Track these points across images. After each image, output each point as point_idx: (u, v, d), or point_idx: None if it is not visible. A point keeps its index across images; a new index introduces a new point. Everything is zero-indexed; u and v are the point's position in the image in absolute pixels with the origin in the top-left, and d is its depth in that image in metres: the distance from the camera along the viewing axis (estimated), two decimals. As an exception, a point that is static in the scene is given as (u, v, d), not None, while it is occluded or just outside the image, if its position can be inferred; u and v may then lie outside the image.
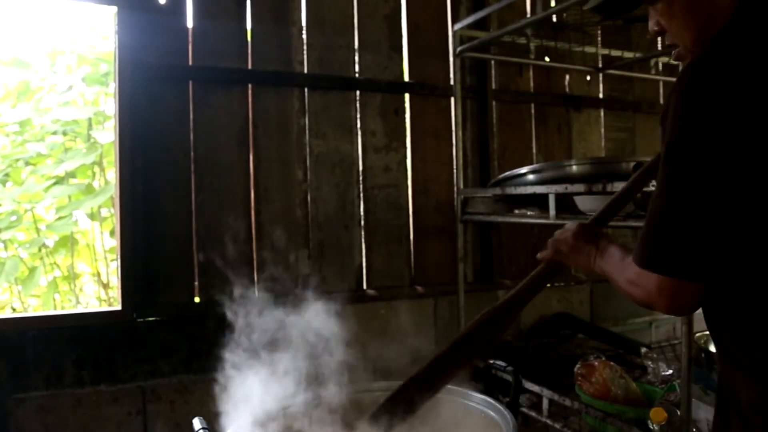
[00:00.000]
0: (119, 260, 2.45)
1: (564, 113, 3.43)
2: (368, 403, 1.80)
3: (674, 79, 1.98)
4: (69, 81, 3.86)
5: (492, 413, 1.70)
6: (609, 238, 1.44)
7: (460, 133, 2.98)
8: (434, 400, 1.78)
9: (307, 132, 2.80)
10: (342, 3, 2.88)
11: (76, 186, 3.79)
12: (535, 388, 2.45)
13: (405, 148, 3.02)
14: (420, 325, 2.97)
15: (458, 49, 2.93)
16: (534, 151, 3.34)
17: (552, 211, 2.37)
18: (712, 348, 2.34)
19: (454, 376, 1.66)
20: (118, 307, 2.45)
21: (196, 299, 2.57)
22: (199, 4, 2.59)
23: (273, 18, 2.74)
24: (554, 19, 2.82)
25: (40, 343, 2.31)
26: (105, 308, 3.37)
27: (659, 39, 3.30)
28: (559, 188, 2.33)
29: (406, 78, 3.04)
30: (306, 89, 2.79)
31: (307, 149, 2.80)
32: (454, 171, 3.04)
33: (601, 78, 3.53)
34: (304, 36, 2.80)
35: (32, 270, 3.70)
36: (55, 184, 3.74)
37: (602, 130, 3.56)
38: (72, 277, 3.87)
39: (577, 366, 2.35)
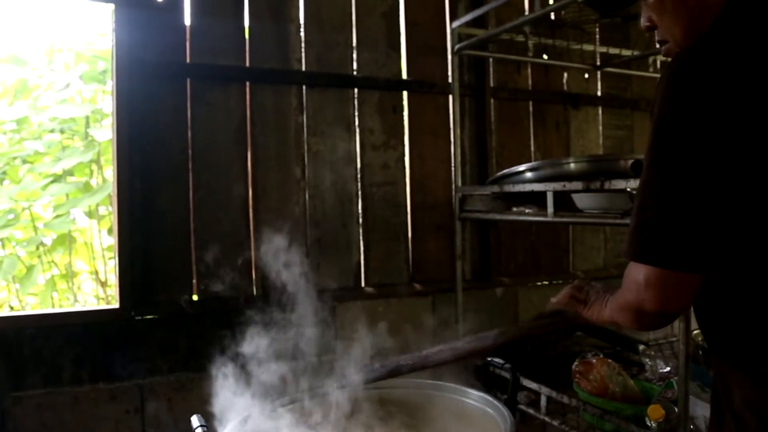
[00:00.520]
0: (117, 258, 2.44)
1: (562, 111, 3.43)
2: (366, 399, 1.80)
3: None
4: (66, 79, 3.86)
5: (490, 410, 1.70)
6: None
7: (458, 131, 2.98)
8: (432, 397, 1.78)
9: (305, 130, 2.79)
10: (340, 0, 2.88)
11: (73, 184, 3.79)
12: (533, 385, 2.45)
13: (403, 145, 3.02)
14: (418, 323, 2.97)
15: (456, 46, 2.93)
16: (532, 148, 3.34)
17: (550, 209, 2.37)
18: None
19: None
20: (116, 305, 2.45)
21: (194, 297, 2.57)
22: (196, 1, 2.59)
23: (271, 15, 2.73)
24: (552, 16, 2.82)
25: (38, 342, 2.31)
26: (103, 306, 3.36)
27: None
28: (557, 186, 2.33)
29: (404, 76, 3.03)
30: (304, 87, 2.79)
31: (305, 147, 2.80)
32: (452, 169, 3.04)
33: (599, 76, 3.53)
34: (302, 33, 2.79)
35: (30, 268, 3.70)
36: (52, 182, 3.73)
37: (600, 128, 3.56)
38: (70, 275, 3.86)
39: (575, 363, 2.35)
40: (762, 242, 0.99)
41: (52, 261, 3.82)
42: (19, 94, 3.91)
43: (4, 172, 3.82)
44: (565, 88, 3.46)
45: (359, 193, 2.91)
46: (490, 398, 1.73)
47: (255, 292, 2.66)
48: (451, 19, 3.02)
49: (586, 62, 3.36)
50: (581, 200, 2.33)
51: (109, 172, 3.72)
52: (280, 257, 2.74)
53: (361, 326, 2.80)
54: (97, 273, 3.89)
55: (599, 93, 3.55)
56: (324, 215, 2.81)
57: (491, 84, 3.21)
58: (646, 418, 2.01)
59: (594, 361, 2.29)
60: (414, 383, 1.88)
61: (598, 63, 3.41)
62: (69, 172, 3.79)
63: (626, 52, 3.30)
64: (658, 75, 3.50)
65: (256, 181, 2.69)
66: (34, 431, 2.29)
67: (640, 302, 1.05)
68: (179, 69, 2.57)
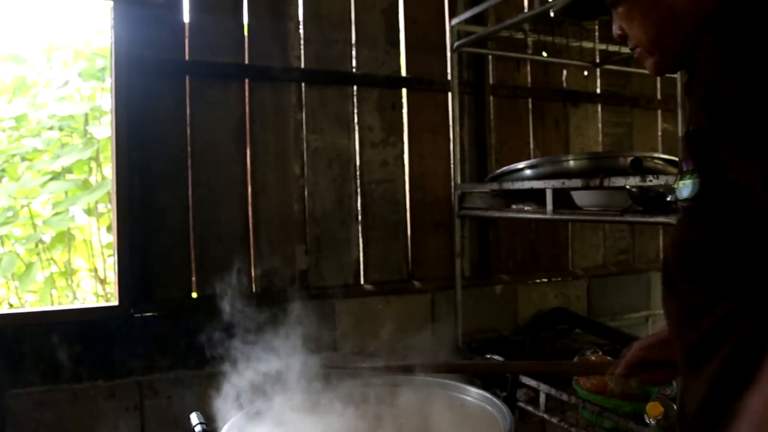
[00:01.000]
0: (116, 256, 2.44)
1: (561, 108, 3.43)
2: (364, 395, 1.80)
3: (672, 75, 1.98)
4: (65, 76, 3.85)
5: (489, 408, 1.70)
6: None
7: (457, 128, 2.98)
8: (431, 394, 1.78)
9: (304, 127, 2.79)
10: (339, -3, 2.87)
11: (72, 181, 3.78)
12: (533, 382, 2.45)
13: (402, 143, 3.01)
14: (417, 320, 2.97)
15: (455, 44, 2.93)
16: (531, 146, 3.34)
17: (549, 206, 2.37)
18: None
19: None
20: (115, 302, 2.45)
21: (194, 294, 2.57)
22: (195, -2, 2.59)
23: (270, 12, 2.73)
24: (551, 14, 2.81)
25: (37, 339, 2.31)
26: (102, 304, 3.37)
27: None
28: (557, 183, 2.33)
29: (404, 73, 3.03)
30: (303, 84, 2.79)
31: (304, 144, 2.79)
32: (452, 166, 3.04)
33: (598, 73, 3.53)
34: (301, 31, 2.79)
35: (29, 266, 3.70)
36: (51, 179, 3.73)
37: (599, 125, 3.56)
38: (69, 272, 3.86)
39: (574, 360, 2.35)
40: None
41: (52, 258, 3.82)
42: (18, 92, 3.91)
43: (3, 170, 3.82)
44: (565, 85, 3.46)
45: (358, 190, 2.90)
46: (489, 395, 1.73)
47: (254, 290, 2.67)
48: (451, 16, 3.02)
49: (586, 59, 3.36)
50: (580, 197, 2.33)
51: (108, 170, 3.72)
52: (279, 254, 2.74)
53: (360, 323, 2.82)
54: (96, 270, 3.89)
55: (598, 90, 3.55)
56: (323, 212, 2.81)
57: (490, 81, 3.21)
58: (645, 416, 2.01)
59: (593, 358, 2.29)
60: (412, 380, 1.88)
61: (598, 60, 3.41)
62: (68, 170, 3.79)
63: (626, 49, 3.28)
64: (657, 72, 3.51)
65: (256, 178, 2.69)
66: (34, 428, 2.29)
67: None
68: (178, 66, 2.56)
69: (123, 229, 2.42)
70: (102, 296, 3.83)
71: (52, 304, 3.69)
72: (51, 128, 3.87)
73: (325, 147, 2.83)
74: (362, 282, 2.90)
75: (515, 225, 3.26)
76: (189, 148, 2.58)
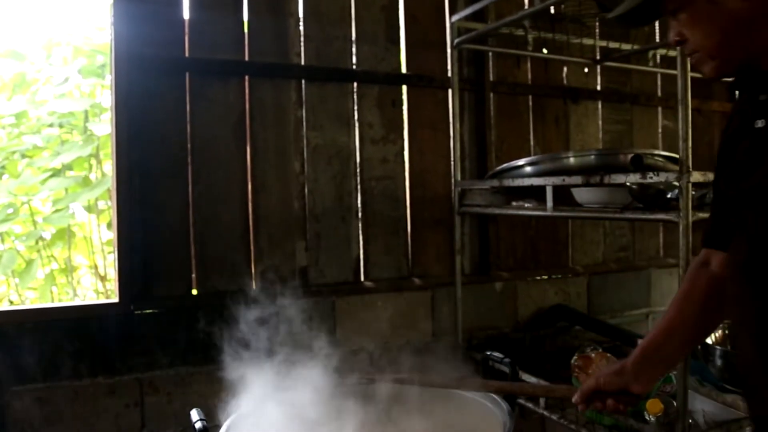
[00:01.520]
0: (116, 253, 2.44)
1: (562, 105, 3.43)
2: (364, 391, 1.80)
3: (673, 72, 1.98)
4: (65, 73, 3.85)
5: (489, 404, 1.71)
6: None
7: (457, 125, 2.98)
8: (432, 390, 1.78)
9: (304, 124, 2.79)
10: (339, -6, 2.87)
11: (72, 178, 3.78)
12: (532, 379, 2.45)
13: (402, 140, 3.01)
14: (417, 317, 2.98)
15: (456, 40, 2.92)
16: (531, 143, 3.34)
17: (549, 203, 2.37)
18: (708, 340, 2.35)
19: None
20: (115, 299, 2.45)
21: (194, 291, 2.57)
22: (195, -5, 2.58)
23: (269, 9, 2.72)
24: (552, 10, 2.81)
25: (38, 336, 2.31)
26: (102, 301, 3.36)
27: (656, 30, 3.32)
28: (557, 180, 2.33)
29: (404, 70, 3.03)
30: (303, 81, 2.79)
31: (304, 141, 2.79)
32: (452, 163, 3.04)
33: (598, 70, 3.52)
34: (301, 27, 2.79)
35: (29, 263, 3.70)
36: (51, 176, 3.73)
37: (600, 122, 3.56)
38: (69, 269, 3.87)
39: (574, 358, 2.36)
40: None
41: (52, 255, 3.82)
42: (18, 89, 3.91)
43: (4, 167, 3.82)
44: (565, 82, 3.46)
45: (358, 187, 2.90)
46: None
47: (254, 286, 2.66)
48: (451, 13, 3.01)
49: (586, 56, 3.35)
50: (581, 194, 2.33)
51: (108, 167, 3.72)
52: (279, 251, 2.74)
53: (360, 320, 2.82)
54: (96, 267, 3.89)
55: (599, 87, 3.55)
56: (323, 209, 2.81)
57: (491, 78, 3.20)
58: (645, 412, 2.02)
59: (593, 355, 2.30)
60: (409, 372, 1.88)
61: (598, 57, 3.41)
62: (68, 167, 3.79)
63: (626, 47, 3.29)
64: (657, 69, 3.51)
65: (256, 175, 2.69)
66: (34, 425, 2.29)
67: None
68: (178, 63, 2.56)
69: (123, 226, 2.42)
70: (102, 293, 3.83)
71: (53, 301, 3.70)
72: (51, 125, 3.87)
73: (325, 144, 2.83)
74: (362, 279, 2.90)
75: (515, 222, 3.26)
76: (189, 146, 2.57)
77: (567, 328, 3.22)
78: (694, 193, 1.92)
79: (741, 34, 1.16)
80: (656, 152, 2.45)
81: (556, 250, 3.41)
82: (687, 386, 1.93)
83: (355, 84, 2.90)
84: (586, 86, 3.51)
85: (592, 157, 2.40)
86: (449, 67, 3.04)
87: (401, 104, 3.01)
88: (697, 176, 1.91)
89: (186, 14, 2.57)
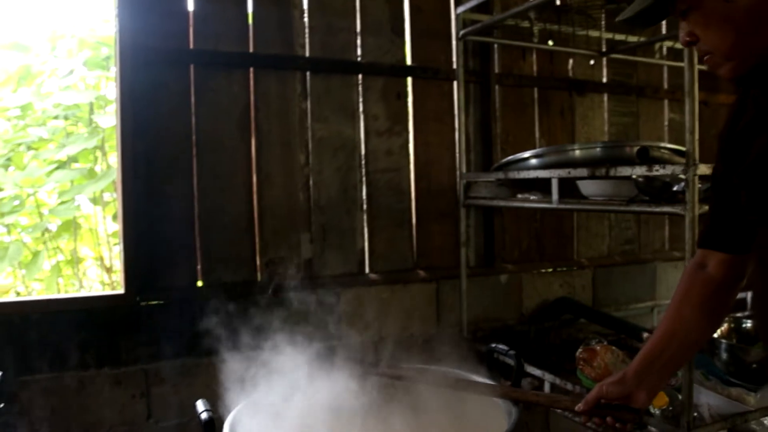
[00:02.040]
0: (122, 244, 2.45)
1: (567, 97, 3.41)
2: (369, 383, 1.81)
3: (679, 64, 1.96)
4: (70, 65, 3.85)
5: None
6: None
7: (462, 117, 2.97)
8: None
9: (308, 116, 2.78)
10: (344, -15, 2.86)
11: (78, 170, 3.79)
12: (537, 372, 2.46)
13: (407, 132, 3.01)
14: (422, 309, 2.98)
15: (461, 32, 2.91)
16: (537, 135, 3.33)
17: (555, 196, 2.36)
18: (714, 334, 2.35)
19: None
20: (121, 290, 2.46)
21: (199, 283, 2.58)
22: (200, -14, 2.58)
23: (274, 0, 2.72)
24: (558, 2, 2.79)
25: (44, 327, 2.32)
26: (108, 292, 3.38)
27: (664, 24, 3.30)
28: (562, 172, 2.32)
29: (409, 61, 3.02)
30: (308, 73, 2.78)
31: (309, 133, 2.79)
32: (457, 155, 3.03)
33: (604, 62, 3.51)
34: (306, 19, 2.78)
35: (35, 254, 3.72)
36: (57, 168, 3.74)
37: (605, 115, 3.54)
38: (75, 261, 3.88)
39: (579, 350, 2.35)
40: None
41: (58, 247, 3.84)
42: (23, 81, 3.91)
43: (10, 159, 3.83)
44: (571, 74, 3.44)
45: (363, 179, 2.90)
46: (494, 384, 1.73)
47: (259, 278, 2.67)
48: (456, 5, 3.00)
49: (592, 48, 3.34)
50: (586, 187, 2.32)
51: (114, 159, 3.72)
52: (283, 243, 2.74)
53: (364, 312, 2.82)
54: (102, 259, 3.90)
55: (605, 79, 3.53)
56: (328, 201, 2.81)
57: (496, 70, 3.19)
58: (650, 406, 2.01)
59: (598, 348, 2.29)
60: (418, 369, 1.89)
61: (604, 49, 3.39)
62: (73, 159, 3.80)
63: (632, 39, 3.28)
64: (664, 62, 3.50)
65: (260, 167, 2.69)
66: (41, 415, 2.30)
67: None
68: (182, 55, 2.56)
69: (128, 217, 2.43)
70: (108, 284, 3.84)
71: (59, 292, 3.71)
72: (56, 117, 3.88)
73: (330, 136, 2.82)
74: (367, 271, 2.90)
75: (520, 214, 3.26)
76: (194, 137, 2.57)
77: (572, 320, 3.22)
78: (700, 185, 1.91)
79: (756, 31, 1.10)
80: (662, 145, 2.43)
81: (561, 243, 3.40)
82: (692, 379, 1.93)
83: (360, 76, 2.89)
84: (592, 78, 3.49)
85: (598, 149, 2.39)
86: (454, 58, 3.03)
87: (406, 96, 3.01)
88: (703, 169, 1.90)
89: (190, 6, 2.57)
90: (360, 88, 2.89)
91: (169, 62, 2.53)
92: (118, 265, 2.99)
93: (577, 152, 2.44)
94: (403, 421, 1.75)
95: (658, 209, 2.06)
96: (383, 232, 2.94)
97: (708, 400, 2.16)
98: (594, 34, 3.18)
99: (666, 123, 3.72)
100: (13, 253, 3.57)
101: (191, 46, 2.57)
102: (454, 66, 3.02)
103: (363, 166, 2.90)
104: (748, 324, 2.50)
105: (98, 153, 3.86)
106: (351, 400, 1.73)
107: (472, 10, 2.91)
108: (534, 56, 3.32)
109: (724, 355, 2.27)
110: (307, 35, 2.78)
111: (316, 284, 2.74)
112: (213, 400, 1.61)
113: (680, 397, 1.99)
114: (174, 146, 2.54)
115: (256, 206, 2.68)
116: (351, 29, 2.88)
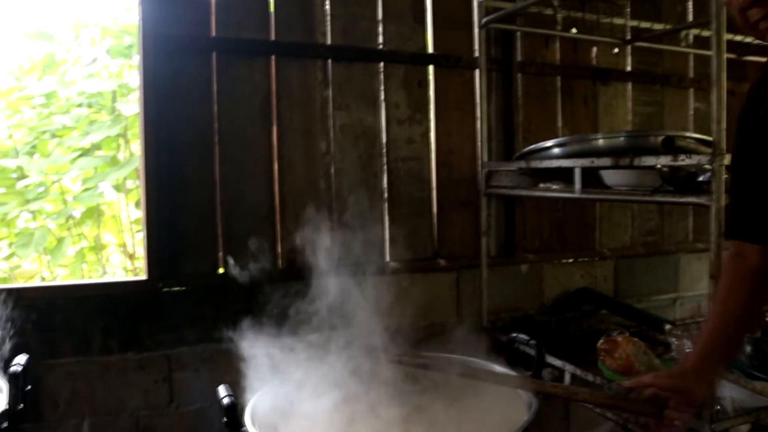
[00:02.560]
0: (144, 231, 2.47)
1: (590, 86, 3.37)
2: (391, 373, 1.81)
3: (706, 52, 1.92)
4: (93, 53, 3.88)
5: (514, 386, 1.71)
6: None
7: (484, 106, 2.95)
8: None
9: (330, 104, 2.78)
10: (366, -27, 2.84)
11: (101, 158, 3.83)
12: (558, 362, 2.45)
13: (428, 120, 2.99)
14: (442, 298, 2.98)
15: (483, 20, 2.89)
16: (559, 124, 3.30)
17: (577, 185, 2.34)
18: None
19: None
20: (143, 277, 2.48)
21: (220, 270, 2.60)
22: (222, -26, 2.58)
23: (296, -12, 2.71)
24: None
25: (69, 312, 2.35)
26: (131, 278, 3.42)
27: (691, 11, 3.24)
28: (585, 162, 2.30)
29: (430, 50, 3.00)
30: (329, 61, 2.77)
31: (330, 121, 2.79)
32: (478, 144, 3.02)
33: (629, 50, 3.45)
34: (327, 6, 2.77)
35: (60, 240, 3.77)
36: (81, 155, 3.78)
37: (629, 104, 3.49)
38: (98, 247, 3.93)
39: (600, 341, 2.34)
40: None
41: (82, 233, 3.89)
42: (47, 69, 3.95)
43: (34, 146, 3.88)
44: (594, 62, 3.39)
45: (384, 168, 2.89)
46: (515, 374, 1.73)
47: (280, 266, 2.68)
48: (479, -8, 2.97)
49: (616, 36, 3.29)
50: (609, 177, 2.30)
51: (136, 146, 3.76)
52: (304, 231, 2.75)
53: (385, 301, 2.82)
54: (125, 245, 3.95)
55: (629, 68, 3.48)
56: (349, 190, 2.81)
57: (518, 58, 3.16)
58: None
59: (620, 339, 2.28)
60: (439, 358, 1.89)
61: (628, 37, 3.34)
62: (97, 146, 3.84)
63: (658, 26, 3.23)
64: (690, 50, 3.44)
65: (282, 155, 2.69)
66: (66, 398, 2.35)
67: None
68: (205, 43, 2.56)
69: (151, 205, 2.45)
70: (131, 271, 3.89)
71: (83, 278, 3.76)
72: (80, 105, 3.92)
73: (351, 124, 2.82)
74: (387, 259, 2.91)
75: (542, 204, 3.23)
76: (215, 125, 2.58)
77: (593, 311, 3.19)
78: (726, 176, 1.88)
79: None
80: (687, 134, 2.40)
81: (583, 233, 3.37)
82: (715, 371, 1.91)
83: (382, 64, 2.88)
84: (616, 67, 3.44)
85: (622, 138, 2.37)
86: (476, 47, 3.00)
87: (427, 84, 2.99)
88: (730, 159, 1.87)
89: (213, -7, 2.57)
90: (381, 77, 2.88)
91: (192, 50, 2.54)
92: (141, 251, 3.02)
93: (601, 141, 2.41)
94: (420, 409, 1.76)
95: (683, 200, 2.03)
96: (404, 220, 2.93)
97: (731, 393, 2.14)
98: (618, 21, 3.14)
99: (691, 113, 3.66)
100: (38, 239, 3.63)
101: (213, 33, 2.57)
102: (476, 54, 3.00)
103: (384, 154, 2.89)
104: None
105: (121, 140, 3.89)
106: (371, 387, 1.74)
107: (495, -3, 2.88)
108: (557, 44, 3.28)
109: (748, 348, 2.24)
110: (328, 23, 2.77)
111: (336, 272, 2.74)
112: (233, 386, 1.63)
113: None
114: (196, 134, 2.55)
115: (277, 194, 2.69)
116: (372, 17, 2.87)
